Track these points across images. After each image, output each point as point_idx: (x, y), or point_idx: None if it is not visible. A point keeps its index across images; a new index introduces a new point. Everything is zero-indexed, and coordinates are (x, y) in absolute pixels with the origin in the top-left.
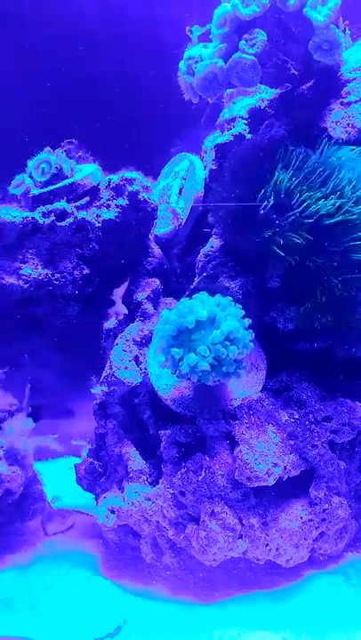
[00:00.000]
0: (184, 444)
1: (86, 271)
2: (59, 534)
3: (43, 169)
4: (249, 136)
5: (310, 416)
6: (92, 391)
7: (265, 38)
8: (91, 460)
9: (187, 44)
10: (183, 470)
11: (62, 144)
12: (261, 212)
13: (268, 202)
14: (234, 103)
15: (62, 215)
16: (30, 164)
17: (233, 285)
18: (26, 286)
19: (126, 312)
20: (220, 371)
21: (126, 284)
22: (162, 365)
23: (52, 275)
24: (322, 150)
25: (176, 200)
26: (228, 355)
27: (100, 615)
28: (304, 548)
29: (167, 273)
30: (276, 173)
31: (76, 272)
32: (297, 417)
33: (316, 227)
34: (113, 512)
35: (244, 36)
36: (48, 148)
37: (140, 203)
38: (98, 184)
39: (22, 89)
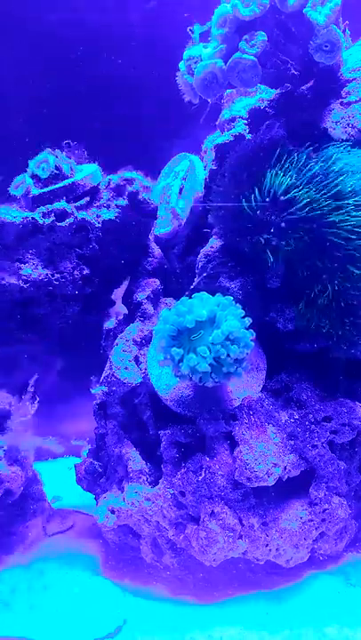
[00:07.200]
0: (184, 444)
1: (86, 271)
2: (59, 534)
3: (43, 169)
4: (249, 136)
5: (310, 416)
6: (92, 391)
7: (265, 39)
8: (91, 460)
9: (187, 44)
10: (183, 470)
11: (62, 144)
12: (258, 211)
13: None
14: (234, 103)
15: (62, 215)
16: (30, 164)
17: (233, 285)
18: (26, 286)
19: (126, 312)
20: (221, 371)
21: (126, 283)
22: (162, 364)
23: (52, 275)
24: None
25: (176, 200)
26: (228, 355)
27: (99, 615)
28: (304, 548)
29: (167, 273)
30: (269, 175)
31: (75, 272)
32: (297, 417)
33: (317, 230)
34: (113, 512)
35: (244, 36)
36: (48, 148)
37: (140, 203)
38: (98, 184)
39: (22, 89)
